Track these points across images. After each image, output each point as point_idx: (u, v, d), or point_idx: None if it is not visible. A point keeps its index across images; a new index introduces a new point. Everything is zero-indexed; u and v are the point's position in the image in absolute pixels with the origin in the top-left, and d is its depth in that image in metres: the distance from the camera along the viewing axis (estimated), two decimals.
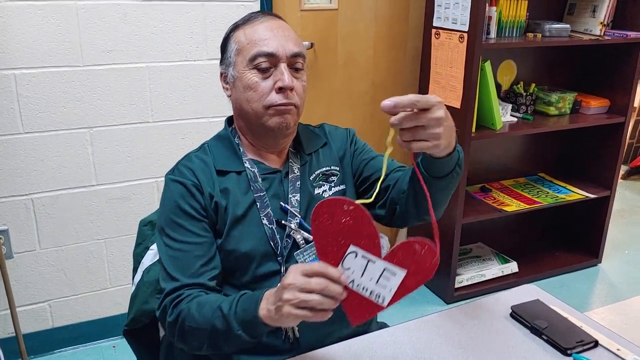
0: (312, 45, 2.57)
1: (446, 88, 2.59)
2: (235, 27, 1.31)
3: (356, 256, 0.99)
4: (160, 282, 1.23)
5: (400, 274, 0.97)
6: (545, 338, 1.19)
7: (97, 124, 2.24)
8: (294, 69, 1.27)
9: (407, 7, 2.79)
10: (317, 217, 1.00)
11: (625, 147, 4.57)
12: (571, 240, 3.32)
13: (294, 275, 0.99)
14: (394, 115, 1.00)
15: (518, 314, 1.26)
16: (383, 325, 1.49)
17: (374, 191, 1.12)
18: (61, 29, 2.09)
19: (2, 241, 2.21)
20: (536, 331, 1.21)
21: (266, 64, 1.24)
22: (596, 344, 1.18)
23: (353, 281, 0.99)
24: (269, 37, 1.25)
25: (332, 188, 1.37)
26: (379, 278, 0.98)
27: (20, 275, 2.28)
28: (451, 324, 1.26)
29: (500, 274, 2.99)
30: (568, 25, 2.74)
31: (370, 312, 1.00)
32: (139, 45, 2.22)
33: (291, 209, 1.30)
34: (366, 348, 1.18)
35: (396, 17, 2.78)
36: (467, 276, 2.89)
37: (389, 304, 0.99)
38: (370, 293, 0.99)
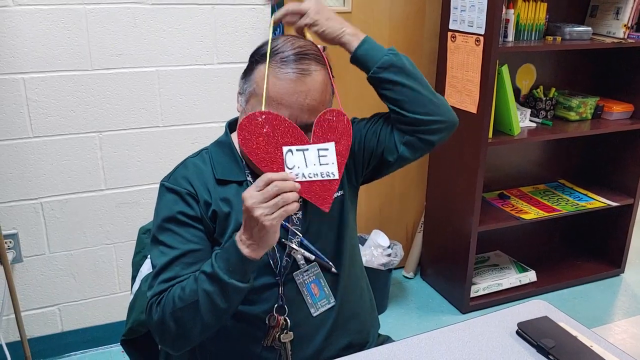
0: (324, 48, 2.53)
1: (462, 92, 2.53)
2: (263, 56, 1.17)
3: (292, 153, 1.11)
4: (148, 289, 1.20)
5: (330, 146, 1.14)
6: (552, 358, 1.13)
7: (107, 128, 2.23)
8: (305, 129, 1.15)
9: (423, 10, 2.73)
10: (245, 143, 1.10)
11: None
12: (592, 249, 3.23)
13: (249, 194, 1.04)
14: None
15: (524, 332, 1.20)
16: (386, 340, 1.45)
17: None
18: (70, 33, 2.09)
19: (11, 245, 2.21)
20: (542, 350, 1.15)
21: None
22: None
23: (303, 174, 1.10)
24: (286, 103, 1.13)
25: (338, 192, 1.33)
26: (319, 159, 1.12)
27: (30, 279, 2.28)
28: (454, 341, 1.21)
29: (518, 284, 2.91)
30: (589, 28, 2.66)
31: (330, 189, 1.12)
32: (148, 49, 2.20)
33: (292, 227, 1.26)
34: None
35: (412, 20, 2.73)
36: (483, 285, 2.82)
37: (340, 175, 1.13)
38: (321, 174, 1.11)
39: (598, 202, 2.93)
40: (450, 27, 2.55)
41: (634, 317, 2.78)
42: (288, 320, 1.23)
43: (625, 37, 2.70)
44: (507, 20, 2.50)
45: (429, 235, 2.98)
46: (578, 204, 2.90)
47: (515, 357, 1.15)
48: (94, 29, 2.11)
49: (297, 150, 1.11)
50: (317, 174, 1.11)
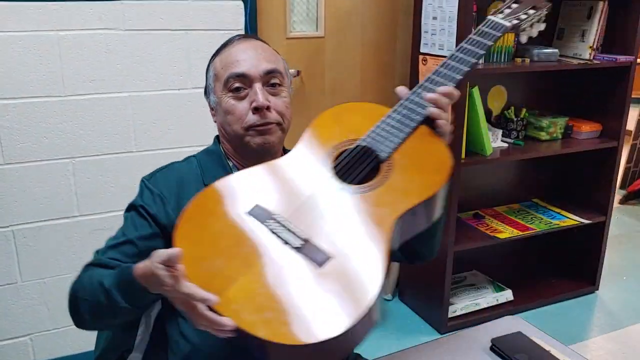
0: (298, 73, 2.56)
1: None
2: (215, 54, 1.31)
3: None
4: None
5: None
6: None
7: (80, 154, 2.21)
8: (270, 85, 1.26)
9: (395, 34, 2.78)
10: None
11: (623, 172, 4.56)
12: (567, 267, 3.26)
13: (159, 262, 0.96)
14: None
15: (498, 347, 1.21)
16: (357, 357, 1.44)
17: None
18: (42, 59, 2.08)
19: None
20: None
21: (239, 85, 1.24)
22: None
23: None
24: (242, 58, 1.25)
25: None
26: None
27: (1, 309, 2.23)
28: (429, 357, 1.21)
29: (495, 303, 2.93)
30: (556, 50, 2.73)
31: None
32: (121, 75, 2.20)
33: None
34: None
35: (384, 44, 2.77)
36: (460, 305, 2.83)
37: None
38: None
39: (571, 220, 2.97)
40: (422, 50, 2.60)
41: (609, 333, 2.81)
42: None
43: (591, 58, 2.77)
44: None
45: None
46: (552, 222, 2.94)
47: None
48: (67, 55, 2.11)
49: None
50: None
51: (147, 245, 1.20)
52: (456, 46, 2.35)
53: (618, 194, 4.36)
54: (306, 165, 1.14)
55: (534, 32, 1.30)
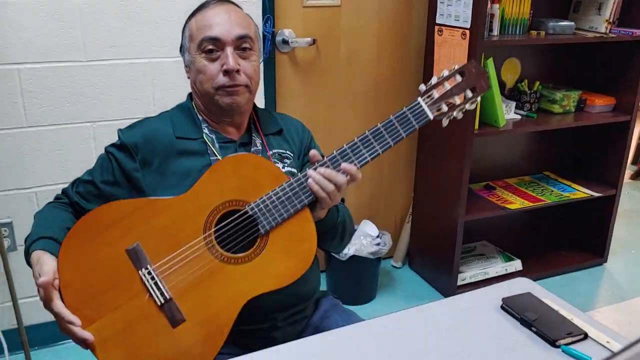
0: (314, 41, 2.58)
1: None
2: (191, 15, 1.40)
3: None
4: None
5: None
6: (535, 330, 1.18)
7: (100, 119, 2.26)
8: (241, 49, 1.35)
9: (411, 4, 2.79)
10: None
11: (635, 148, 4.56)
12: (576, 239, 3.30)
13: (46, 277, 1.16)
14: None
15: (508, 306, 1.25)
16: (325, 294, 1.57)
17: None
18: (64, 25, 2.12)
19: (6, 233, 2.24)
20: (526, 323, 1.20)
21: (211, 47, 1.33)
22: (585, 336, 1.17)
23: None
24: (215, 22, 1.33)
25: (286, 167, 1.43)
26: None
27: (24, 267, 2.30)
28: (440, 314, 1.26)
29: (504, 272, 2.98)
30: (572, 23, 2.73)
31: None
32: (141, 41, 2.24)
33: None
34: (353, 337, 1.19)
35: (399, 14, 2.78)
36: (470, 274, 2.88)
37: None
38: None
39: (581, 193, 3.00)
40: (437, 21, 2.61)
41: (616, 304, 2.86)
42: None
43: (607, 32, 2.77)
44: (493, 15, 2.56)
45: (416, 225, 3.04)
46: (562, 195, 2.97)
47: (500, 329, 1.21)
48: (88, 21, 2.15)
49: None
50: None
51: (109, 190, 1.35)
52: (472, 18, 2.38)
53: (629, 170, 4.37)
54: (193, 213, 1.23)
55: (459, 115, 1.34)
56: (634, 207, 3.98)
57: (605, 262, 3.22)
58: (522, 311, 1.23)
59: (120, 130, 1.40)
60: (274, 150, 1.45)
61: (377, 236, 2.82)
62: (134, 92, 2.28)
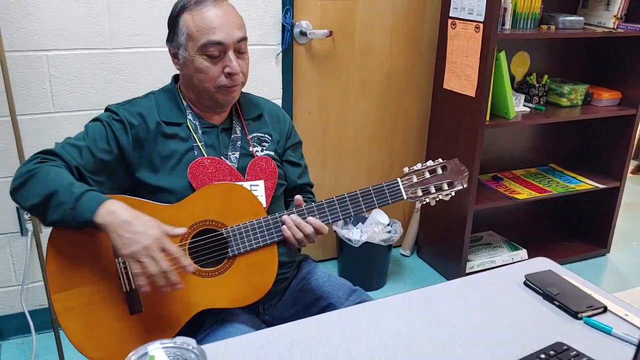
0: (331, 33, 2.64)
1: (461, 77, 2.65)
2: (184, 8, 1.42)
3: None
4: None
5: (260, 183, 1.48)
6: (557, 303, 1.26)
7: None
8: (239, 51, 1.43)
9: None
10: (194, 180, 1.41)
11: (637, 142, 4.64)
12: (580, 230, 3.39)
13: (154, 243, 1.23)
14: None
15: (531, 282, 1.33)
16: (305, 258, 1.68)
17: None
18: (92, 12, 2.18)
19: (27, 216, 2.30)
20: (548, 297, 1.28)
21: (215, 51, 1.39)
22: (605, 309, 1.25)
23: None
24: (217, 25, 1.38)
25: (264, 150, 1.53)
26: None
27: None
28: (465, 289, 1.33)
29: (510, 261, 3.05)
30: (582, 18, 2.80)
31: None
32: (165, 30, 2.28)
33: (229, 164, 1.46)
34: (384, 308, 1.26)
35: (413, 8, 2.85)
36: (477, 262, 2.96)
37: (266, 204, 1.47)
38: None
39: (586, 184, 3.08)
40: (451, 14, 2.68)
41: (619, 292, 2.94)
42: None
43: (615, 27, 2.85)
44: (505, 9, 2.63)
45: (426, 214, 3.11)
46: (567, 186, 3.05)
47: (523, 303, 1.28)
48: (115, 9, 2.20)
49: None
50: None
51: (106, 158, 1.39)
52: (486, 12, 2.45)
53: (631, 164, 4.45)
54: (176, 222, 1.32)
55: (432, 202, 1.46)
56: (635, 201, 4.07)
57: (608, 252, 3.30)
58: (544, 286, 1.30)
59: (113, 106, 1.46)
60: (253, 134, 1.54)
61: (388, 224, 2.89)
62: (157, 79, 2.34)
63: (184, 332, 1.35)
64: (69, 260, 1.30)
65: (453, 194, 1.45)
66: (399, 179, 1.42)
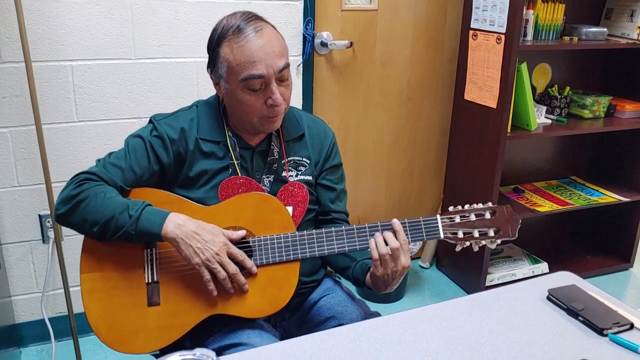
0: (351, 44, 2.64)
1: (482, 88, 2.64)
2: (223, 37, 1.37)
3: None
4: None
5: (289, 209, 1.44)
6: (582, 319, 1.24)
7: (147, 115, 2.34)
8: (282, 80, 1.39)
9: (445, 9, 2.85)
10: (224, 196, 1.42)
11: None
12: (602, 243, 3.34)
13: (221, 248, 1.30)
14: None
15: (555, 297, 1.31)
16: (330, 274, 1.66)
17: None
18: (116, 23, 2.20)
19: (49, 224, 2.32)
20: (572, 313, 1.26)
21: (257, 85, 1.36)
22: (632, 326, 1.23)
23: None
24: (258, 58, 1.33)
25: (299, 175, 1.50)
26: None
27: (69, 258, 2.39)
28: (487, 303, 1.32)
29: (531, 274, 3.02)
30: (605, 29, 2.77)
31: None
32: (188, 41, 2.32)
33: (262, 187, 1.46)
34: (408, 323, 1.25)
35: (434, 19, 2.84)
36: (497, 275, 2.93)
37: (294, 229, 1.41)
38: None
39: (609, 197, 3.04)
40: (472, 25, 2.67)
41: None
42: None
43: (639, 38, 2.81)
44: (527, 21, 2.62)
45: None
46: (590, 199, 3.01)
47: (547, 318, 1.26)
48: (138, 20, 2.23)
49: None
50: None
51: (146, 175, 1.41)
52: (507, 23, 2.44)
53: None
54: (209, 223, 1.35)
55: (475, 248, 1.37)
56: None
57: (631, 266, 3.25)
58: (568, 301, 1.28)
59: (156, 120, 1.45)
60: (290, 158, 1.51)
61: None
62: (180, 90, 2.36)
63: (195, 330, 1.36)
64: (103, 245, 1.34)
65: (499, 242, 1.37)
66: (438, 216, 1.36)
